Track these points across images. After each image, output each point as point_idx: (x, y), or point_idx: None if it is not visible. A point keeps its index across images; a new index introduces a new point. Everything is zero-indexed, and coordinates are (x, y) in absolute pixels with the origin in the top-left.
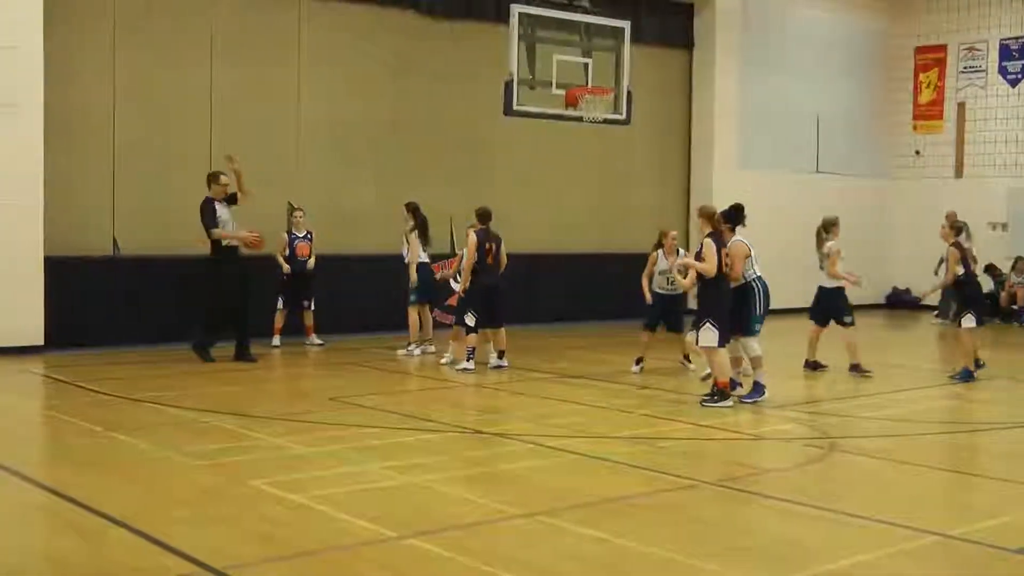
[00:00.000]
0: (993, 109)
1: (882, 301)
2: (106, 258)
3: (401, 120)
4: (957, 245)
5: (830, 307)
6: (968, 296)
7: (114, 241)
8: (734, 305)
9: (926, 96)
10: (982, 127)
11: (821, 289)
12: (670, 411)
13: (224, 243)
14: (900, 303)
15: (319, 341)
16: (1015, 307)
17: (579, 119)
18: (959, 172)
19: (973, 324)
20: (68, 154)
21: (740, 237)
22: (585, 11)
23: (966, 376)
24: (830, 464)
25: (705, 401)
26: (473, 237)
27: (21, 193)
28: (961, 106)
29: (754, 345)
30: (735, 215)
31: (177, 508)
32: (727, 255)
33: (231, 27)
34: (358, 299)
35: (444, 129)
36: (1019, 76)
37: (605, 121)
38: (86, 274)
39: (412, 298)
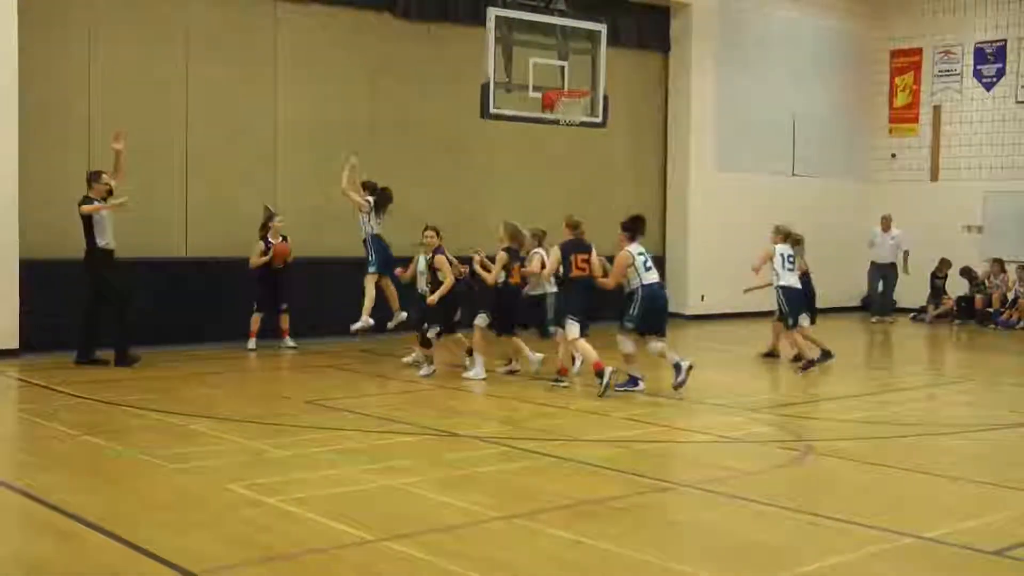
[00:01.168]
0: (968, 112)
1: (857, 303)
2: (82, 260)
3: (379, 122)
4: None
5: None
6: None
7: None
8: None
9: (902, 99)
10: (957, 130)
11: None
12: (646, 413)
13: (100, 245)
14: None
15: (292, 344)
16: (990, 309)
17: (556, 122)
18: (934, 175)
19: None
20: (44, 154)
21: (633, 247)
22: (562, 14)
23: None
24: (806, 466)
25: (618, 388)
26: (556, 251)
27: None
28: (936, 109)
29: (625, 340)
30: (634, 225)
31: (155, 512)
32: (586, 260)
33: (207, 27)
34: (335, 301)
35: (422, 131)
36: (994, 80)
37: (582, 124)
38: (62, 276)
39: (371, 269)
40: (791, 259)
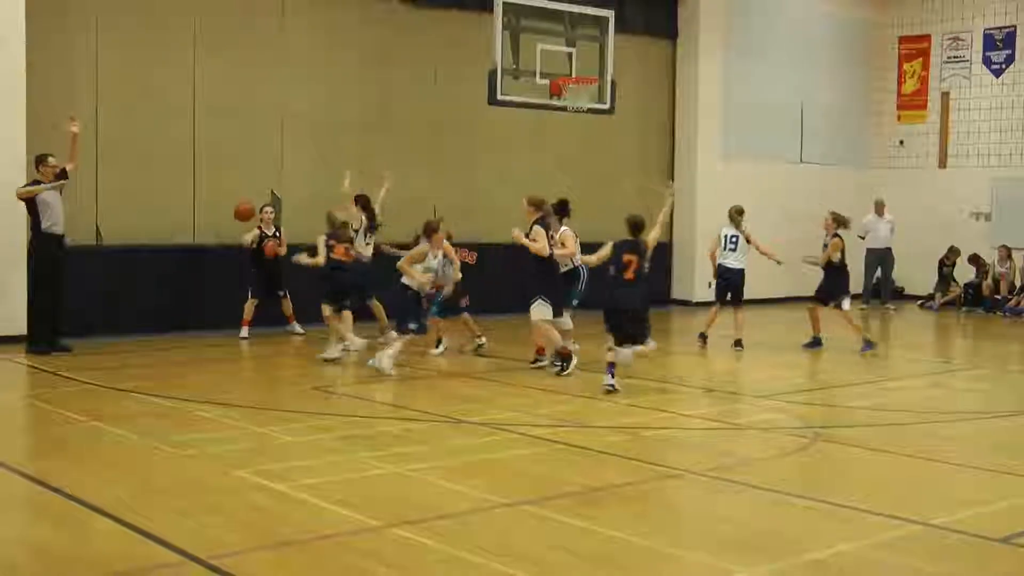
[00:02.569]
0: (977, 99)
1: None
2: (89, 248)
3: (385, 110)
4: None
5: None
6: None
7: (96, 231)
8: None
9: (910, 86)
10: (966, 117)
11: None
12: (654, 400)
13: (44, 229)
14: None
15: (300, 329)
16: (998, 296)
17: (563, 109)
18: (943, 162)
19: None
20: (51, 146)
21: (565, 227)
22: (569, 0)
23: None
24: (814, 453)
25: (559, 372)
26: (607, 248)
27: (3, 185)
28: (945, 96)
29: (566, 318)
30: (563, 208)
31: (161, 497)
32: (558, 239)
33: (215, 17)
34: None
35: (429, 119)
36: (1003, 66)
37: (589, 111)
38: (69, 264)
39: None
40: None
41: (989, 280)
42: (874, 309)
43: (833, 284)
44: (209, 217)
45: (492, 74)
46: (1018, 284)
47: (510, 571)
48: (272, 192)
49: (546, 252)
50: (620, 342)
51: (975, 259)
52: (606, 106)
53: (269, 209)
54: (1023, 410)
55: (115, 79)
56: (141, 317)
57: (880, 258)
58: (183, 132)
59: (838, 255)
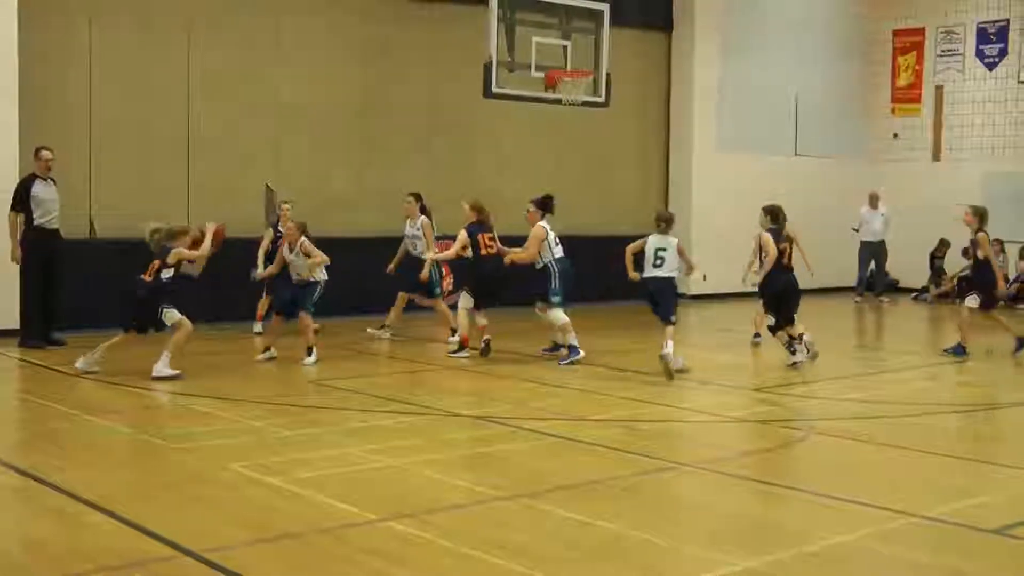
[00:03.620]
0: (970, 92)
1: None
2: (83, 241)
3: (382, 102)
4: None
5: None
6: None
7: (90, 224)
8: (537, 281)
9: (904, 79)
10: (959, 110)
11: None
12: (647, 393)
13: (36, 223)
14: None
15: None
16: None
17: (558, 101)
18: (936, 155)
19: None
20: (45, 137)
21: (544, 223)
22: None
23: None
24: (808, 446)
25: (450, 353)
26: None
27: None
28: (939, 89)
29: (559, 314)
30: (544, 203)
31: (157, 492)
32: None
33: (210, 10)
34: (336, 282)
35: (425, 112)
36: (996, 60)
37: (584, 104)
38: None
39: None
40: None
41: None
42: (868, 302)
43: (981, 280)
44: (204, 209)
45: (487, 67)
46: (1011, 277)
47: (507, 564)
48: (266, 184)
49: (454, 256)
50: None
51: (967, 252)
52: (601, 99)
53: (287, 206)
54: (1018, 402)
55: (110, 70)
56: None
57: (874, 251)
58: (178, 124)
59: (989, 250)
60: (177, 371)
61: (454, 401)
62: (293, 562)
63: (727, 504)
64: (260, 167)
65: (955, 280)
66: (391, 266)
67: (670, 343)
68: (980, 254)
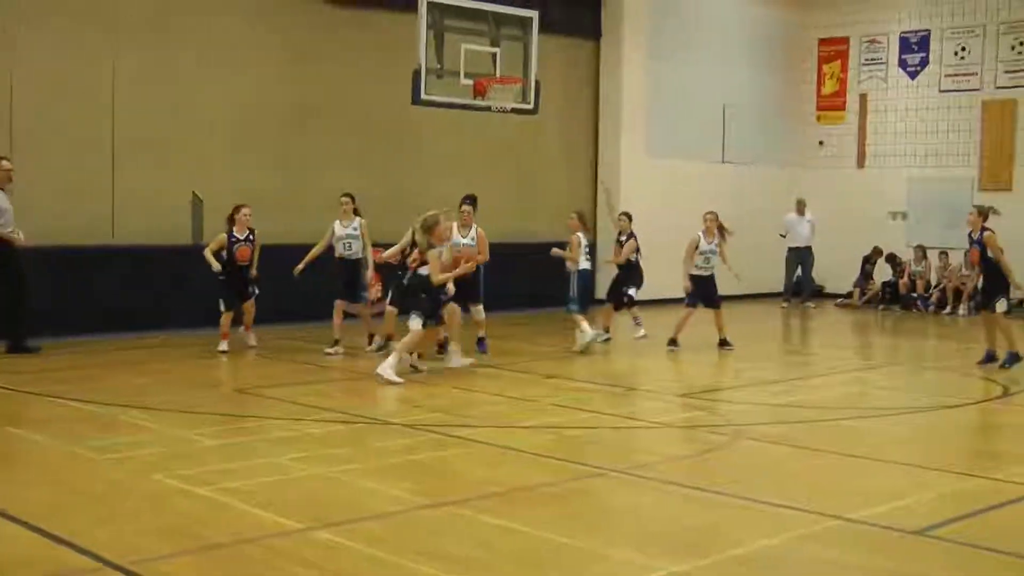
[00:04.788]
0: (893, 101)
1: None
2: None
3: (309, 107)
4: None
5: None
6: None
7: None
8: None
9: (829, 87)
10: (883, 118)
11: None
12: (576, 400)
13: None
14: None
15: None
16: (914, 295)
17: (487, 109)
18: (861, 163)
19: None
20: None
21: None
22: (493, 0)
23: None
24: (734, 451)
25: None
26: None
27: None
28: (863, 97)
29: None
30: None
31: (79, 503)
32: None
33: (135, 13)
34: (267, 288)
35: (355, 117)
36: (918, 69)
37: (513, 111)
38: None
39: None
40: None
41: (906, 278)
42: (794, 307)
43: (993, 285)
44: (129, 216)
45: (416, 73)
46: (933, 283)
47: (435, 572)
48: (194, 193)
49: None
50: None
51: (891, 258)
52: (530, 106)
53: (247, 211)
54: (939, 405)
55: (30, 72)
56: (61, 319)
57: (800, 256)
58: (102, 130)
59: (999, 249)
60: (401, 379)
61: (384, 409)
62: (220, 573)
63: (656, 509)
64: (185, 171)
65: (881, 286)
66: (299, 267)
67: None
68: (990, 254)
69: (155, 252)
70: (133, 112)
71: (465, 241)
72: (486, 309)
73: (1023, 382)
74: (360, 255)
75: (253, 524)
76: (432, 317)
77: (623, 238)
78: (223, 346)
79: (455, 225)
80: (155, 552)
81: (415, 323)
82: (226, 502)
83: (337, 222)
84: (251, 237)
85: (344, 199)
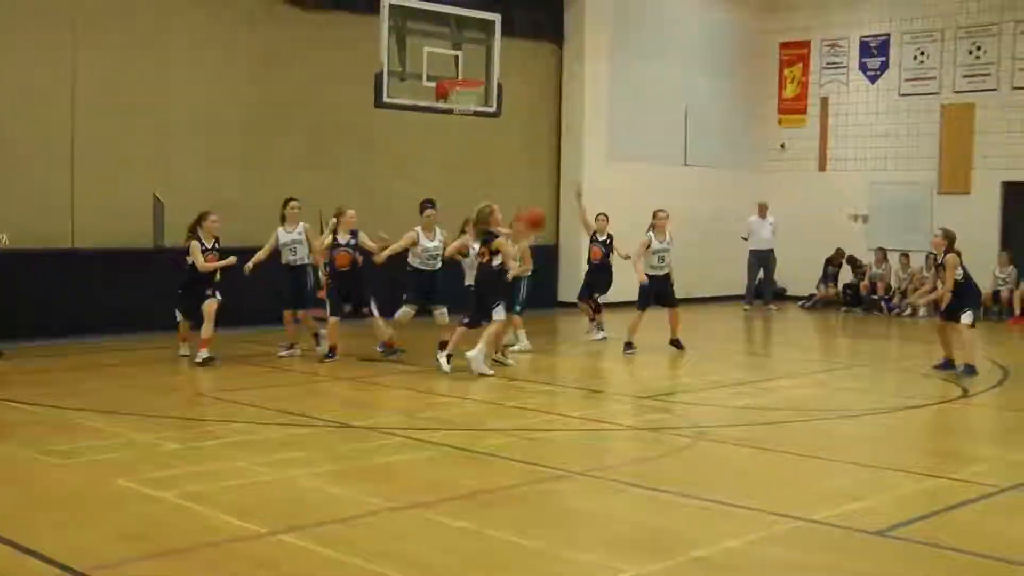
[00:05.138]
0: (854, 104)
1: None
2: None
3: (273, 111)
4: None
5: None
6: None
7: None
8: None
9: (791, 91)
10: (844, 122)
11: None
12: (540, 403)
13: None
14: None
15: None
16: (875, 297)
17: (450, 111)
18: (822, 165)
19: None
20: None
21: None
22: (456, 3)
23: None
24: (697, 453)
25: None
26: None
27: None
28: (824, 101)
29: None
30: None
31: (41, 509)
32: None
33: (95, 13)
34: (230, 292)
35: (317, 120)
36: (878, 73)
37: (475, 114)
38: None
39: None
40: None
41: (867, 281)
42: (756, 309)
43: (961, 299)
44: (89, 219)
45: (378, 76)
46: (894, 285)
47: (398, 575)
48: (155, 195)
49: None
50: None
51: (852, 260)
52: (492, 109)
53: (214, 218)
54: (900, 406)
55: None
56: (30, 323)
57: (763, 259)
58: (61, 131)
59: (960, 272)
60: (492, 371)
61: (346, 412)
62: None
63: (619, 511)
64: (148, 173)
65: (842, 288)
66: (250, 264)
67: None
68: (957, 275)
69: (116, 255)
70: (93, 113)
71: (433, 244)
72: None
73: (982, 383)
74: (306, 260)
75: (216, 528)
76: (512, 306)
77: (602, 238)
78: (183, 350)
79: (419, 230)
80: (117, 557)
81: (500, 314)
82: (188, 506)
83: (281, 228)
84: (217, 246)
85: (293, 203)
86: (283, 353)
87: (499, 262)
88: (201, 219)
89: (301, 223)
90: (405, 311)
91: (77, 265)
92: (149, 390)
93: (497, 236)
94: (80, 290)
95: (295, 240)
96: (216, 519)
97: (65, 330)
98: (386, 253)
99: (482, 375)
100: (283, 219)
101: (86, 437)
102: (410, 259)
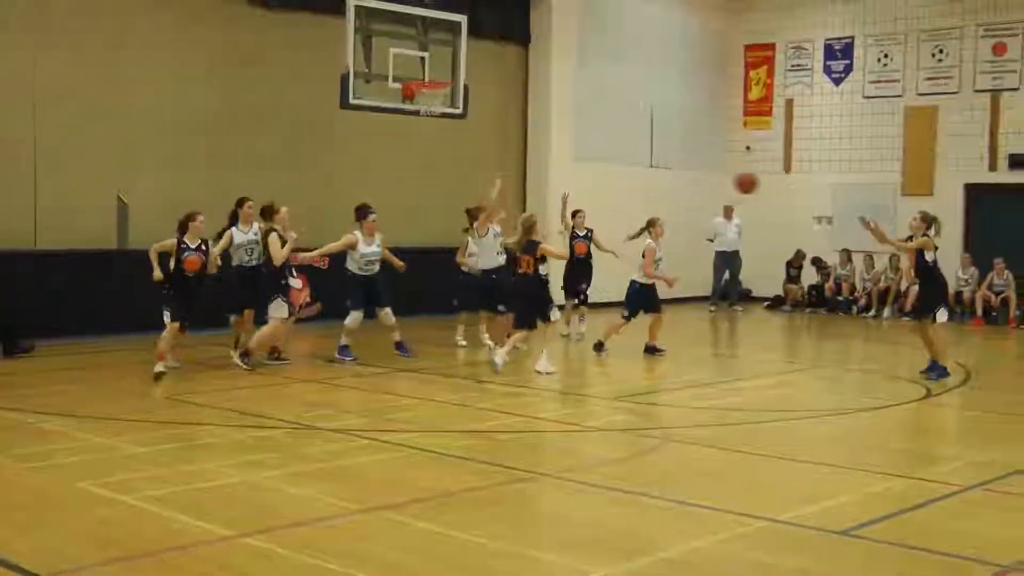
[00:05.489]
0: (819, 107)
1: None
2: None
3: (238, 111)
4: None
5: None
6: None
7: None
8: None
9: (756, 93)
10: (808, 124)
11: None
12: (506, 404)
13: None
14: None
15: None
16: (840, 298)
17: (416, 113)
18: (787, 168)
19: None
20: None
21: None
22: (422, 4)
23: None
24: (664, 454)
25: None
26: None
27: None
28: (789, 103)
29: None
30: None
31: (2, 513)
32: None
33: (56, 13)
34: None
35: (283, 120)
36: (842, 75)
37: (442, 115)
38: None
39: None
40: None
41: (831, 282)
42: (722, 311)
43: (930, 295)
44: (52, 221)
45: (344, 77)
46: (859, 286)
47: None
48: (118, 196)
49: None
50: None
51: (817, 261)
52: (459, 111)
53: (201, 219)
54: (865, 406)
55: None
56: None
57: (728, 260)
58: (23, 131)
59: (932, 255)
60: (554, 369)
61: (311, 414)
62: None
63: (586, 513)
64: (110, 174)
65: (807, 288)
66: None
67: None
68: (928, 257)
69: (80, 257)
70: (56, 114)
71: (372, 249)
72: (414, 313)
73: (946, 383)
74: (258, 263)
75: (180, 531)
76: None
77: (581, 233)
78: (160, 367)
79: (359, 234)
80: (81, 561)
81: (556, 314)
82: (153, 510)
83: (235, 228)
84: (203, 247)
85: (250, 203)
86: (237, 360)
87: (544, 271)
88: (188, 219)
89: (256, 224)
90: (354, 316)
91: (40, 266)
92: (113, 393)
93: (540, 244)
94: (43, 292)
95: (251, 241)
96: (180, 522)
97: (28, 332)
98: (322, 251)
99: (550, 373)
100: (236, 218)
101: (50, 441)
102: (348, 264)
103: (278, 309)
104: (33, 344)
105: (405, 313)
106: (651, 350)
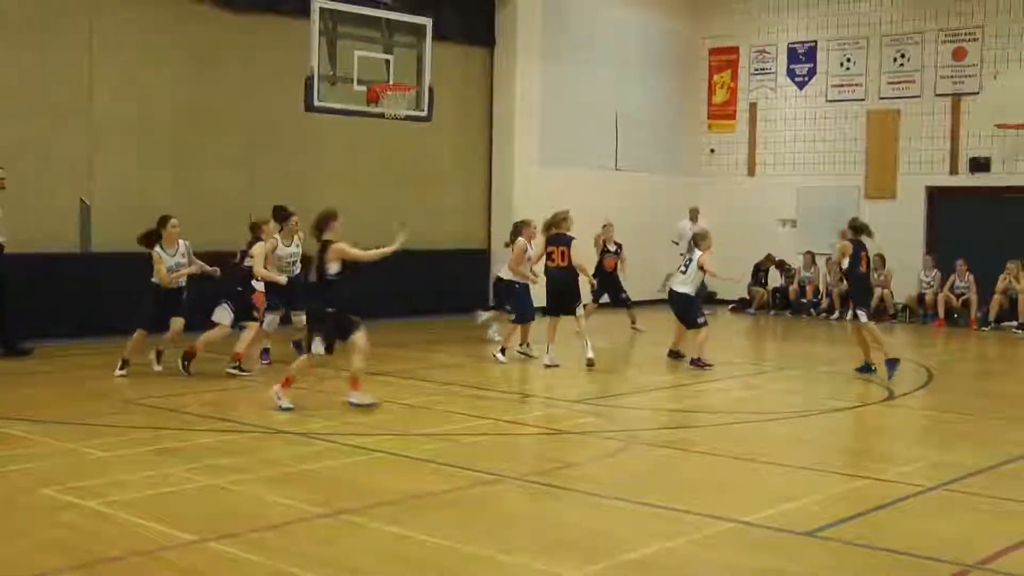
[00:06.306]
0: (782, 110)
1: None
2: None
3: (202, 113)
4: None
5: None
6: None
7: None
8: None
9: (720, 96)
10: (772, 127)
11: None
12: (472, 407)
13: None
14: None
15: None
16: (804, 300)
17: (381, 116)
18: (752, 171)
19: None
20: None
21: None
22: (387, 7)
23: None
24: (630, 456)
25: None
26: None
27: None
28: (753, 107)
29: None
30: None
31: None
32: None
33: (19, 13)
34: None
35: (247, 123)
36: (806, 79)
37: (407, 118)
38: None
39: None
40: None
41: (795, 284)
42: None
43: (856, 295)
44: (12, 223)
45: (309, 80)
46: (822, 289)
47: None
48: (81, 199)
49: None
50: None
51: (781, 264)
52: (424, 113)
53: (175, 222)
54: (828, 408)
55: None
56: None
57: None
58: None
59: (846, 262)
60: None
61: (276, 418)
62: None
63: (552, 515)
64: (76, 178)
65: (771, 292)
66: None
67: None
68: (843, 263)
69: (41, 260)
70: (15, 115)
71: (290, 251)
72: (378, 316)
73: (907, 385)
74: (183, 282)
75: (145, 536)
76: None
77: (612, 249)
78: (156, 367)
79: (278, 237)
80: (44, 567)
81: (581, 310)
82: (118, 515)
83: (158, 248)
84: (184, 253)
85: (174, 222)
86: (157, 366)
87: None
88: (161, 225)
89: (182, 242)
90: (271, 319)
91: (2, 269)
92: (77, 397)
93: (572, 239)
94: (5, 295)
95: (179, 263)
96: (145, 527)
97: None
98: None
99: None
100: (160, 238)
101: (12, 446)
102: (267, 266)
103: (222, 314)
104: (32, 347)
105: (376, 316)
106: (687, 359)
